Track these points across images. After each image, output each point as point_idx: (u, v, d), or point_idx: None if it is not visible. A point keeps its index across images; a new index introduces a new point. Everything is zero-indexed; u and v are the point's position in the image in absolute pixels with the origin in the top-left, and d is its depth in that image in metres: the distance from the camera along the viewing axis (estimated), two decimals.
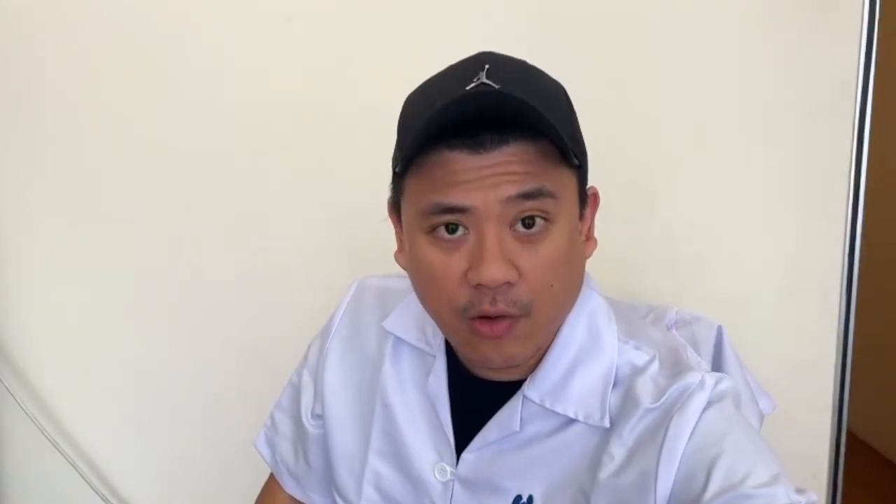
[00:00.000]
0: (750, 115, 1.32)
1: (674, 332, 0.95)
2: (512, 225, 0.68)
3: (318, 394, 0.91)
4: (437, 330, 0.80)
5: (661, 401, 0.72)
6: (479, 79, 0.66)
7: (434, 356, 0.82)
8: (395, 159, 0.73)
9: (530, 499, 0.76)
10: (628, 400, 0.73)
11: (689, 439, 0.68)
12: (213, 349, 1.38)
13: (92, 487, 1.38)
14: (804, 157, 1.34)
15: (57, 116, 1.32)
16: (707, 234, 1.35)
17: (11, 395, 1.34)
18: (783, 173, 1.34)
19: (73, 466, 1.37)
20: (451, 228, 0.69)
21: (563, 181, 0.70)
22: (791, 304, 1.38)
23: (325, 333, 0.92)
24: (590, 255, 0.76)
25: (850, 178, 1.34)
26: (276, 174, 1.33)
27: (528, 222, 0.68)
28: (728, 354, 0.96)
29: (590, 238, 0.76)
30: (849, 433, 1.44)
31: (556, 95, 0.72)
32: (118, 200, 1.34)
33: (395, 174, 0.74)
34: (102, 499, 1.38)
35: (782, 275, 1.37)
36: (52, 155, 1.33)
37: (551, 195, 0.68)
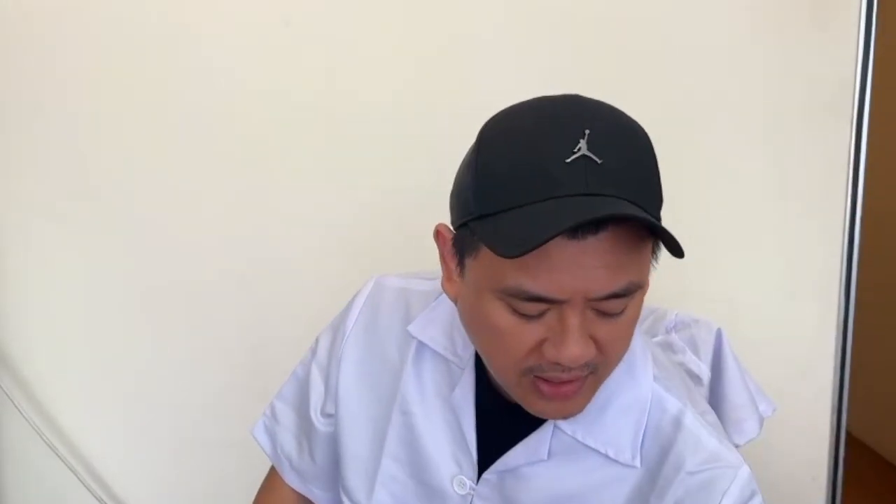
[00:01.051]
0: (750, 115, 1.32)
1: (673, 334, 0.95)
2: (595, 307, 0.65)
3: (331, 393, 0.89)
4: (468, 342, 0.77)
5: (703, 469, 0.71)
6: (580, 149, 0.62)
7: (462, 369, 0.80)
8: (466, 203, 0.66)
9: None
10: (670, 459, 0.73)
11: None
12: (213, 351, 1.38)
13: (90, 491, 1.37)
14: (804, 157, 1.34)
15: (57, 117, 1.31)
16: (707, 235, 1.34)
17: (10, 399, 1.34)
18: (783, 173, 1.34)
19: (71, 470, 1.36)
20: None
21: (646, 254, 0.67)
22: (791, 305, 1.38)
23: (338, 331, 0.89)
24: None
25: (849, 179, 1.34)
26: (276, 175, 1.33)
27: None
28: (727, 358, 0.95)
29: None
30: (849, 433, 1.44)
31: (648, 159, 0.66)
32: (118, 203, 1.33)
33: (469, 220, 0.66)
34: (100, 501, 1.38)
35: (782, 275, 1.37)
36: (52, 157, 1.32)
37: (638, 286, 0.65)
